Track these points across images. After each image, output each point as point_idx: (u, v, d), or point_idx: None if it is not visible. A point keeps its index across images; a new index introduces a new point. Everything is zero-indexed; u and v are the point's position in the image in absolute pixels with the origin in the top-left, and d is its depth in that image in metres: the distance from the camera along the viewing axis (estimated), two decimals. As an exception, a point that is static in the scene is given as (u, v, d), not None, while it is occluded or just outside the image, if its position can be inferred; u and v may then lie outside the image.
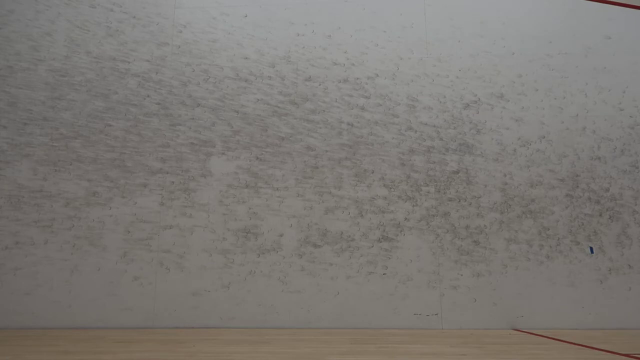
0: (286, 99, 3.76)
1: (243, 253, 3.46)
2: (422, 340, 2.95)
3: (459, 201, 3.87)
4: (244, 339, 2.83)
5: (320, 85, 3.84)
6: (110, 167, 3.37)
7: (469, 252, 3.81)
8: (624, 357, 2.57)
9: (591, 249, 4.02)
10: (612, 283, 4.04)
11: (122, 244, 3.29)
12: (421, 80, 3.93)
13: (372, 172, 3.71)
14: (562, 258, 3.99)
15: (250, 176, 3.58)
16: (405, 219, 3.74)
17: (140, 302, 3.24)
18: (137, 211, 3.35)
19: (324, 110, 3.80)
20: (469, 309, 3.70)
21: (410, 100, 3.96)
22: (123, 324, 3.17)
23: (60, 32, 3.47)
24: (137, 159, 3.42)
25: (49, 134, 3.32)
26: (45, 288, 3.13)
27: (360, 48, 3.95)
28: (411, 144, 3.89)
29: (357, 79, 3.90)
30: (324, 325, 3.43)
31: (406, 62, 4.01)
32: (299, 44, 3.87)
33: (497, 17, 4.27)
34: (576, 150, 4.21)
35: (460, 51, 4.13)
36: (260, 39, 3.79)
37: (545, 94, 4.26)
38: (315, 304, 3.50)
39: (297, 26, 3.89)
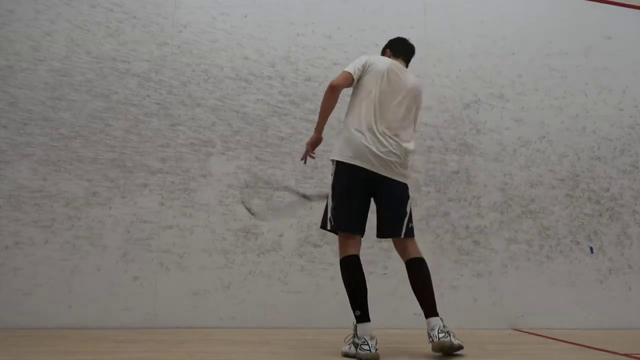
0: (286, 99, 3.76)
1: (243, 253, 3.46)
2: (422, 340, 2.94)
3: (459, 201, 3.88)
4: (244, 339, 2.83)
5: (320, 85, 3.83)
6: (110, 167, 3.37)
7: (469, 252, 3.81)
8: (624, 357, 2.58)
9: (591, 248, 4.03)
10: (612, 283, 4.04)
11: (122, 244, 3.29)
12: (421, 80, 3.93)
13: (372, 172, 3.71)
14: (562, 258, 3.99)
15: (250, 176, 3.58)
16: (405, 219, 3.73)
17: (140, 302, 3.24)
18: (137, 211, 3.35)
19: (324, 110, 3.79)
20: (469, 309, 3.71)
21: (410, 100, 3.95)
22: (123, 324, 3.17)
23: (60, 32, 3.46)
24: (137, 159, 3.42)
25: (49, 134, 3.32)
26: (45, 288, 3.13)
27: (360, 48, 3.95)
28: (411, 144, 3.88)
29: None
30: (324, 325, 3.43)
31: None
32: (299, 44, 3.86)
33: (497, 17, 4.27)
34: (576, 150, 4.22)
35: (460, 51, 4.13)
36: (260, 39, 3.79)
37: (545, 94, 4.26)
38: (315, 304, 3.50)
39: (297, 26, 3.89)
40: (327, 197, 2.64)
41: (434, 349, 2.41)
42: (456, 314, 3.64)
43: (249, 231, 3.50)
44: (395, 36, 2.94)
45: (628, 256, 4.04)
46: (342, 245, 2.53)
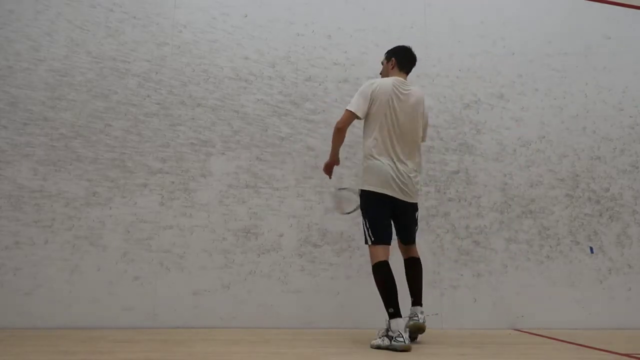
0: (286, 99, 3.76)
1: (243, 253, 3.46)
2: (422, 340, 2.95)
3: (459, 201, 3.88)
4: (244, 339, 2.83)
5: (320, 85, 3.84)
6: (110, 167, 3.37)
7: (469, 252, 3.81)
8: (624, 357, 2.58)
9: (591, 248, 4.03)
10: (612, 283, 4.04)
11: (122, 244, 3.29)
12: (421, 80, 3.93)
13: (372, 172, 3.71)
14: (562, 258, 3.99)
15: (250, 176, 3.58)
16: (405, 219, 3.73)
17: (140, 302, 3.24)
18: (137, 211, 3.35)
19: (324, 110, 3.80)
20: (469, 309, 3.71)
21: (410, 100, 3.95)
22: (123, 324, 3.17)
23: (60, 32, 3.47)
24: (137, 159, 3.42)
25: (49, 134, 3.32)
26: (45, 288, 3.13)
27: (360, 48, 3.95)
28: (411, 144, 3.88)
29: (357, 79, 3.90)
30: (324, 325, 3.43)
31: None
32: (299, 44, 3.86)
33: (497, 17, 4.27)
34: (576, 150, 4.22)
35: (460, 51, 4.13)
36: (260, 39, 3.79)
37: (545, 94, 4.26)
38: (315, 304, 3.50)
39: (297, 26, 3.89)
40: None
41: (412, 330, 2.81)
42: (456, 314, 3.65)
43: (249, 231, 3.50)
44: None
45: (628, 256, 4.04)
46: (375, 253, 2.84)
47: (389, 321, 2.67)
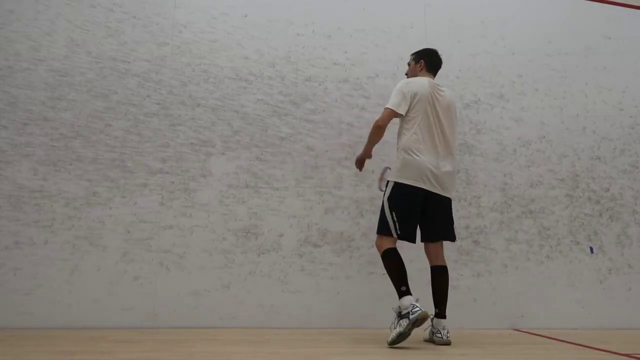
0: (286, 99, 3.76)
1: (243, 253, 3.46)
2: (422, 340, 2.95)
3: (459, 201, 3.88)
4: (244, 339, 2.83)
5: (320, 85, 3.84)
6: (110, 167, 3.37)
7: (469, 252, 3.81)
8: (624, 357, 2.58)
9: (591, 248, 4.03)
10: (612, 283, 4.05)
11: (122, 244, 3.29)
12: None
13: (372, 172, 3.71)
14: (562, 258, 3.99)
15: (250, 176, 3.58)
16: (405, 219, 3.73)
17: (140, 302, 3.24)
18: (137, 211, 3.35)
19: (324, 110, 3.80)
20: (469, 309, 3.71)
21: (410, 100, 3.95)
22: (123, 324, 3.17)
23: (60, 32, 3.47)
24: (137, 159, 3.42)
25: (49, 134, 3.32)
26: (45, 288, 3.13)
27: (360, 48, 3.95)
28: (411, 144, 3.88)
29: (357, 79, 3.90)
30: (324, 325, 3.43)
31: (406, 62, 4.00)
32: (299, 44, 3.87)
33: (497, 17, 4.27)
34: (576, 150, 4.22)
35: (460, 51, 4.13)
36: (260, 39, 3.79)
37: (545, 94, 4.26)
38: (315, 304, 3.50)
39: (297, 26, 3.89)
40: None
41: (437, 344, 2.83)
42: (456, 314, 3.64)
43: (249, 231, 3.50)
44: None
45: (628, 256, 4.05)
46: (384, 243, 2.85)
47: (399, 302, 2.65)
